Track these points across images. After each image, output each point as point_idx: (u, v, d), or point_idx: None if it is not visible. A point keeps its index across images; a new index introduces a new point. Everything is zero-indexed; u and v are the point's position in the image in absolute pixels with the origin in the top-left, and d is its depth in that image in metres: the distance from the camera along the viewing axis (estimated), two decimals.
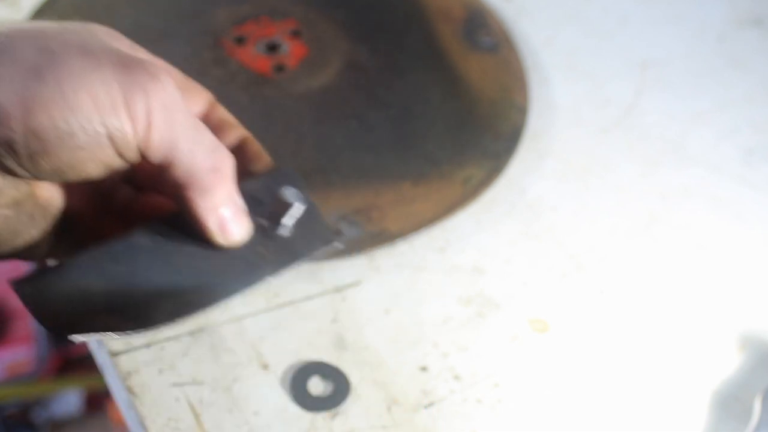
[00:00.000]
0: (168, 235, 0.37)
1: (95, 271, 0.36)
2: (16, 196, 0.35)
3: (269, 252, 0.38)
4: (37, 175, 0.34)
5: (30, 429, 1.30)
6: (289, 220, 0.38)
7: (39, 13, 0.64)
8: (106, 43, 0.35)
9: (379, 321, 0.51)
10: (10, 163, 0.33)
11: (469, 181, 0.57)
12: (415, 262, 0.54)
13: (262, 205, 0.39)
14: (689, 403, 0.50)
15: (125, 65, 0.34)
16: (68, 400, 1.33)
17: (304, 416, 0.47)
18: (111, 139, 0.33)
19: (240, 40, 0.63)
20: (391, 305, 0.52)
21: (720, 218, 0.59)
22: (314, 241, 0.39)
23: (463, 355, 0.50)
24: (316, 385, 0.48)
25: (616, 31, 0.71)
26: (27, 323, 1.25)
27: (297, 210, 0.38)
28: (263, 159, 0.41)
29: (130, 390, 0.46)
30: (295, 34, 0.64)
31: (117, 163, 0.34)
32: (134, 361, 0.47)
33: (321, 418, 0.47)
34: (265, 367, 0.48)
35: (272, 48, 0.63)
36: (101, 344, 0.48)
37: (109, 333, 0.34)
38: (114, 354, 0.48)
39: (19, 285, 0.35)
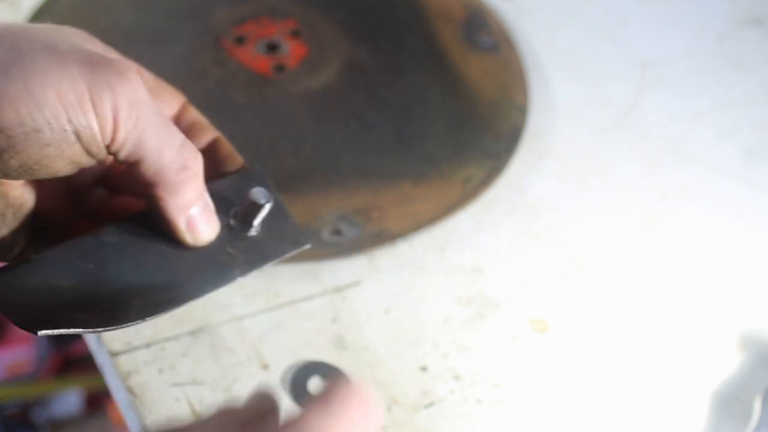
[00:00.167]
0: (137, 233, 0.38)
1: (64, 267, 0.36)
2: None
3: (238, 252, 0.39)
4: (6, 173, 0.34)
5: (30, 429, 1.30)
6: (257, 220, 0.39)
7: (39, 13, 0.64)
8: (75, 43, 0.36)
9: (379, 321, 0.51)
10: None
11: (469, 181, 0.57)
12: (415, 262, 0.54)
13: (232, 206, 0.39)
14: (689, 403, 0.50)
15: (92, 63, 0.34)
16: (68, 400, 1.33)
17: None
18: (78, 135, 0.33)
19: (240, 40, 0.63)
20: (391, 305, 0.52)
21: (720, 218, 0.59)
22: (284, 242, 0.40)
23: (463, 355, 0.50)
24: (316, 385, 0.48)
25: (616, 31, 0.71)
26: None
27: (265, 211, 0.38)
28: (235, 160, 0.41)
29: (130, 390, 0.46)
30: (295, 34, 0.64)
31: (85, 160, 0.35)
32: (134, 361, 0.47)
33: None
34: (265, 367, 0.48)
35: (272, 48, 0.63)
36: (101, 344, 0.48)
37: (76, 329, 0.35)
38: (114, 354, 0.48)
39: None
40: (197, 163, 0.37)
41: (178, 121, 0.42)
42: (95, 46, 0.38)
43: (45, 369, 1.31)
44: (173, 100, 0.42)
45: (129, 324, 0.36)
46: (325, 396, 0.32)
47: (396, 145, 0.59)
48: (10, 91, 0.32)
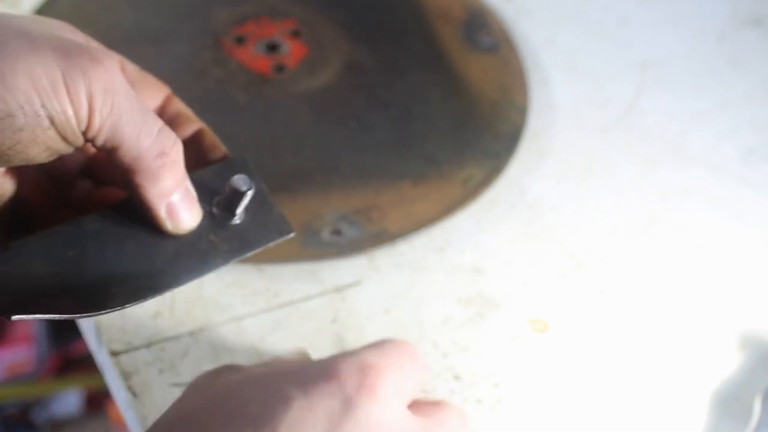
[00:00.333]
0: (118, 221, 0.38)
1: (43, 255, 0.36)
2: None
3: (221, 240, 0.39)
4: None
5: (30, 429, 1.31)
6: (240, 208, 0.39)
7: (39, 13, 0.64)
8: (52, 31, 0.36)
9: (379, 321, 0.51)
10: None
11: (469, 181, 0.57)
12: (415, 262, 0.54)
13: (214, 194, 0.39)
14: (689, 403, 0.50)
15: (66, 50, 0.34)
16: (68, 400, 1.33)
17: None
18: (52, 120, 0.33)
19: (240, 40, 0.63)
20: (391, 305, 0.52)
21: (720, 218, 0.59)
22: (267, 230, 0.40)
23: (463, 355, 0.50)
24: None
25: (616, 31, 0.71)
26: (27, 323, 1.25)
27: (247, 198, 0.38)
28: (219, 150, 0.41)
29: (130, 390, 0.46)
30: (295, 34, 0.64)
31: (61, 146, 0.35)
32: (134, 361, 0.47)
33: None
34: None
35: (272, 48, 0.63)
36: (101, 344, 0.48)
37: (53, 314, 0.35)
38: (114, 354, 0.48)
39: None
40: (176, 150, 0.37)
41: (162, 112, 0.42)
42: (75, 35, 0.38)
43: (45, 369, 1.31)
44: (158, 92, 0.42)
45: (107, 311, 0.36)
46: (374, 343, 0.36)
47: (396, 145, 0.59)
48: None
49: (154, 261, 0.38)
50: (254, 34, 0.64)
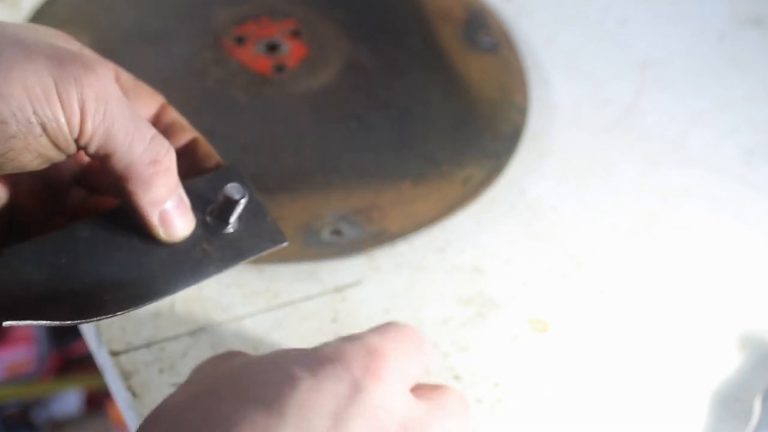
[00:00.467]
0: (111, 228, 0.38)
1: (35, 261, 0.36)
2: None
3: (214, 249, 0.39)
4: None
5: (30, 429, 1.30)
6: (233, 217, 0.39)
7: (39, 13, 0.64)
8: (45, 39, 0.36)
9: (379, 321, 0.51)
10: None
11: (469, 181, 0.57)
12: (415, 262, 0.54)
13: (208, 203, 0.39)
14: (689, 403, 0.50)
15: (59, 57, 0.34)
16: (68, 400, 1.33)
17: None
18: (44, 128, 0.33)
19: (240, 40, 0.63)
20: (391, 305, 0.52)
21: (720, 218, 0.59)
22: (261, 239, 0.40)
23: (463, 355, 0.50)
24: None
25: (616, 31, 0.71)
26: None
27: (241, 207, 0.38)
28: (213, 159, 0.42)
29: (130, 390, 0.46)
30: (295, 34, 0.64)
31: (54, 154, 0.35)
32: (134, 361, 0.47)
33: None
34: None
35: (272, 48, 0.63)
36: (101, 344, 0.48)
37: (44, 321, 0.35)
38: (114, 354, 0.48)
39: None
40: (169, 158, 0.37)
41: (156, 121, 0.42)
42: (70, 44, 0.38)
43: (45, 369, 1.31)
44: (152, 101, 0.42)
45: (98, 318, 0.36)
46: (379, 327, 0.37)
47: (396, 145, 0.59)
48: None
49: (147, 269, 0.37)
50: (254, 34, 0.64)
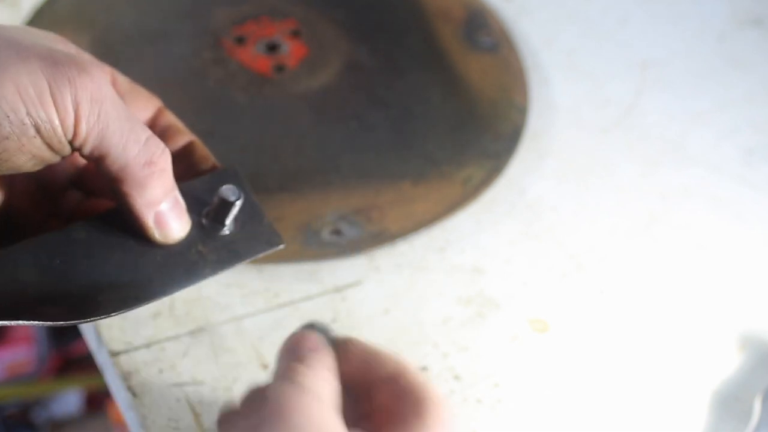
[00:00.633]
0: (107, 230, 0.38)
1: (30, 262, 0.36)
2: None
3: (209, 251, 0.39)
4: None
5: (30, 429, 1.30)
6: (229, 219, 0.39)
7: (39, 13, 0.64)
8: (40, 41, 0.36)
9: (379, 321, 0.51)
10: None
11: (469, 181, 0.57)
12: (415, 262, 0.54)
13: (204, 204, 0.39)
14: (689, 403, 0.50)
15: (53, 59, 0.34)
16: (68, 400, 1.33)
17: None
18: (38, 129, 0.33)
19: (240, 40, 0.63)
20: (391, 305, 0.52)
21: (720, 218, 0.59)
22: (257, 241, 0.40)
23: (463, 355, 0.50)
24: None
25: (616, 31, 0.71)
26: None
27: (236, 208, 0.38)
28: (210, 162, 0.41)
29: (130, 390, 0.46)
30: (295, 34, 0.64)
31: (48, 155, 0.35)
32: (134, 361, 0.47)
33: None
34: (265, 367, 0.48)
35: (272, 48, 0.63)
36: (101, 344, 0.48)
37: (37, 321, 0.35)
38: (114, 354, 0.48)
39: None
40: (164, 159, 0.37)
41: (153, 124, 0.42)
42: (66, 46, 0.38)
43: (45, 369, 1.31)
44: (148, 104, 0.42)
45: (92, 319, 0.36)
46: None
47: (396, 145, 0.59)
48: None
49: (142, 270, 0.37)
50: (254, 34, 0.64)
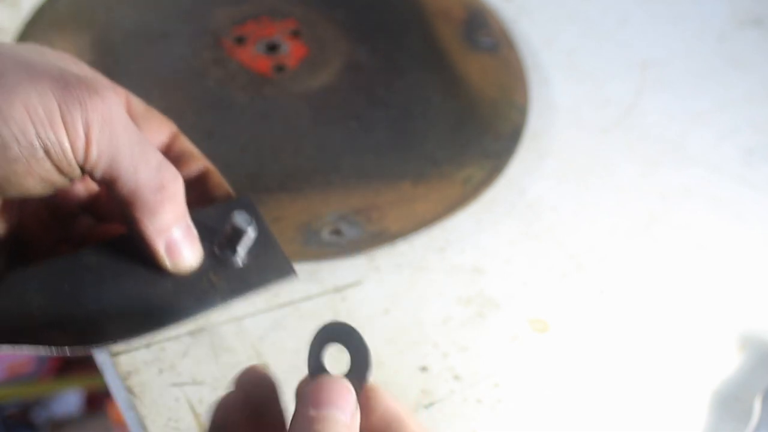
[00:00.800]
0: (117, 256, 0.37)
1: (38, 286, 0.35)
2: None
3: (220, 280, 0.38)
4: None
5: (30, 429, 1.30)
6: (242, 247, 0.38)
7: (39, 13, 0.64)
8: (53, 62, 0.35)
9: (379, 321, 0.51)
10: None
11: (469, 181, 0.57)
12: (415, 262, 0.54)
13: (216, 233, 0.38)
14: (689, 403, 0.50)
15: (65, 81, 0.33)
16: (68, 400, 1.33)
17: None
18: (47, 152, 0.33)
19: (240, 40, 0.63)
20: (391, 305, 0.52)
21: (720, 218, 0.59)
22: (269, 272, 0.39)
23: (463, 355, 0.50)
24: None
25: (616, 31, 0.71)
26: None
27: (249, 239, 0.37)
28: (224, 190, 0.40)
29: (130, 390, 0.46)
30: (295, 34, 0.64)
31: (57, 178, 0.34)
32: (134, 361, 0.47)
33: None
34: (265, 367, 0.48)
35: (272, 48, 0.63)
36: None
37: (44, 347, 0.34)
38: (114, 354, 0.48)
39: None
40: (176, 184, 0.36)
41: (167, 149, 0.41)
42: (80, 67, 0.37)
43: (45, 369, 1.31)
44: (163, 128, 0.41)
45: (101, 346, 0.35)
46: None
47: (396, 145, 0.59)
48: None
49: (151, 298, 0.37)
50: (254, 34, 0.64)
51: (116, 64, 0.61)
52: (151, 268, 0.37)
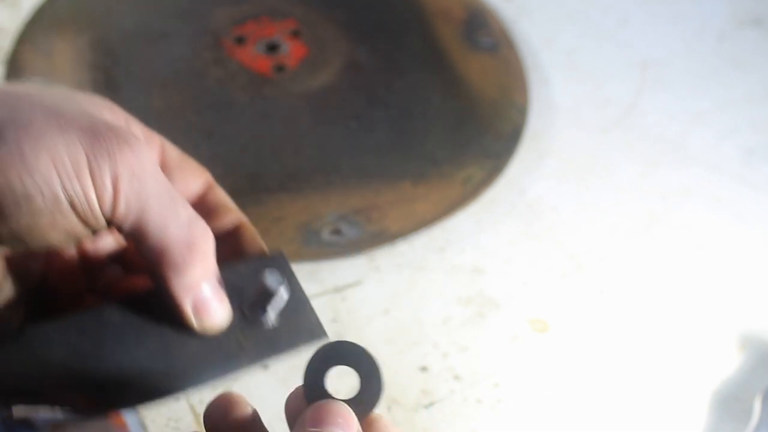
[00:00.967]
0: (141, 313, 0.35)
1: (57, 342, 0.34)
2: None
3: (248, 341, 0.36)
4: None
5: (30, 429, 1.30)
6: (272, 308, 0.36)
7: (39, 13, 0.64)
8: (83, 109, 0.33)
9: (379, 321, 0.51)
10: None
11: (469, 181, 0.57)
12: (415, 262, 0.54)
13: (246, 292, 0.36)
14: (689, 403, 0.50)
15: (94, 130, 0.32)
16: None
17: None
18: (73, 205, 0.31)
19: (240, 40, 0.63)
20: (391, 305, 0.52)
21: (720, 218, 0.59)
22: (300, 334, 0.36)
23: (463, 355, 0.50)
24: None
25: (616, 31, 0.71)
26: None
27: (280, 300, 0.35)
28: (257, 246, 0.39)
29: None
30: (295, 34, 0.64)
31: (81, 231, 0.33)
32: None
33: None
34: (265, 367, 0.48)
35: (272, 48, 0.63)
36: None
37: (58, 410, 0.33)
38: None
39: None
40: (206, 241, 0.34)
41: (201, 200, 0.39)
42: (114, 115, 0.35)
43: None
44: (198, 179, 0.39)
45: (119, 410, 0.34)
46: None
47: (396, 145, 0.59)
48: (2, 153, 0.30)
49: (176, 359, 0.34)
50: (254, 34, 0.64)
51: (116, 64, 0.61)
52: (177, 326, 0.35)
